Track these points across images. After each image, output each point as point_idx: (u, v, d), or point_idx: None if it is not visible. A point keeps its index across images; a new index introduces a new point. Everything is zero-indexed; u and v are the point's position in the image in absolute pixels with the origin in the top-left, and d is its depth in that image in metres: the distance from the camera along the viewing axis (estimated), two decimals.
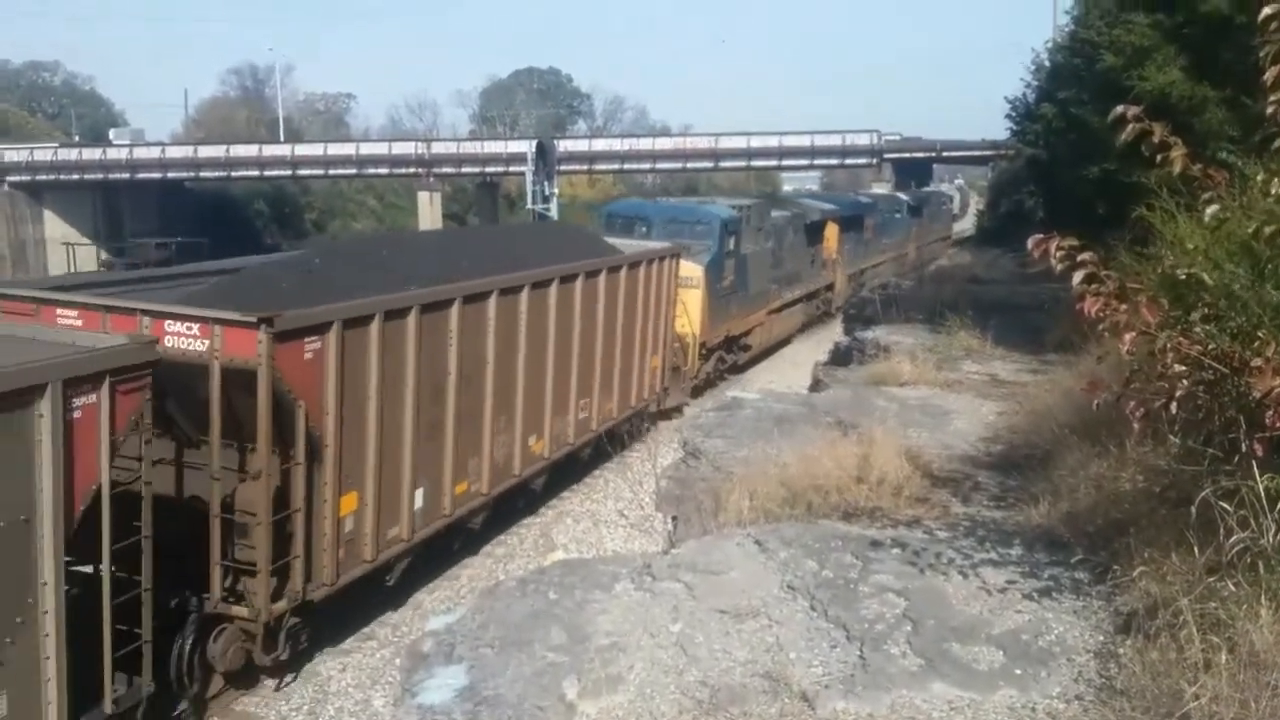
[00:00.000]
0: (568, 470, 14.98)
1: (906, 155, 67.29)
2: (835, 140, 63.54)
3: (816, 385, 14.38)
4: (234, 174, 62.75)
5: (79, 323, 8.36)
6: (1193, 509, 5.01)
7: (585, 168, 71.10)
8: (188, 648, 8.34)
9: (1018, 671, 5.20)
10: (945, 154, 69.60)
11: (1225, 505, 4.77)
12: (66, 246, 54.54)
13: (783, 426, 10.37)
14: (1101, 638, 5.45)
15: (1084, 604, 5.86)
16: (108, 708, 7.12)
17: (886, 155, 64.74)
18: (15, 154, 59.55)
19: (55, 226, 58.83)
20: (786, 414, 11.14)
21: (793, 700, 5.06)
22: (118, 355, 6.98)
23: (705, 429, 10.75)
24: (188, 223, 60.19)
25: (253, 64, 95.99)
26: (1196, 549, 4.97)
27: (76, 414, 6.59)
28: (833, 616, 5.85)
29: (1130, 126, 4.59)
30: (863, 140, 63.25)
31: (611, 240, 17.87)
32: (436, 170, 63.78)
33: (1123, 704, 4.68)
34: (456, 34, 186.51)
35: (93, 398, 6.71)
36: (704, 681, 5.28)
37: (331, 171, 64.65)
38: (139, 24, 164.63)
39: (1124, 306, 4.65)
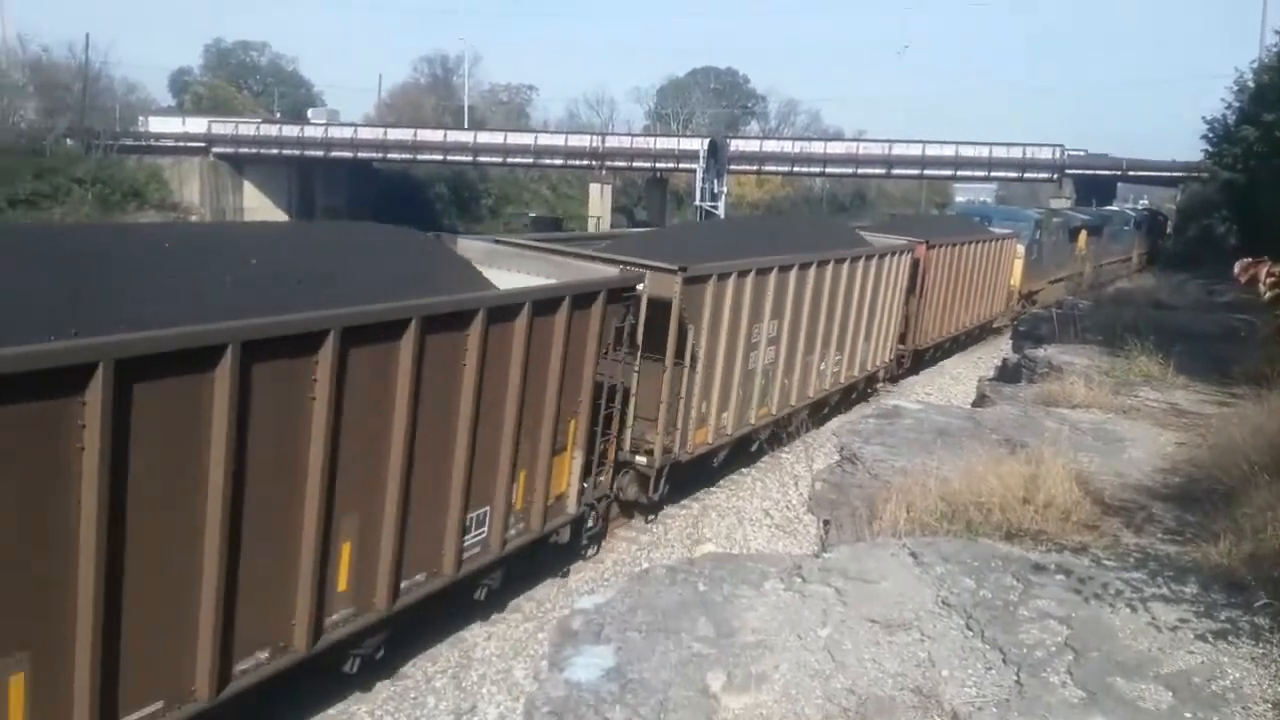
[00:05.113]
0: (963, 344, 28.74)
1: (1090, 172, 64.67)
2: (1016, 153, 61.66)
3: (981, 400, 13.92)
4: (419, 157, 65.28)
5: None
6: None
7: (755, 168, 71.02)
8: None
9: (1187, 715, 4.94)
10: (1131, 173, 66.78)
11: None
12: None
13: (944, 439, 10.09)
14: None
15: (1264, 651, 5.52)
16: None
17: (1069, 170, 62.32)
18: (222, 127, 63.58)
19: (253, 197, 62.49)
20: (948, 427, 10.84)
21: (943, 719, 4.93)
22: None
23: (864, 435, 10.55)
24: (374, 201, 62.93)
25: (443, 53, 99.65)
26: None
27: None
28: (989, 637, 5.67)
29: None
30: (1044, 154, 61.23)
31: None
32: (609, 163, 64.75)
33: None
34: (639, 32, 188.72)
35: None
36: (851, 689, 5.20)
37: (510, 160, 66.57)
38: (344, 9, 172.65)
39: None
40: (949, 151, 61.78)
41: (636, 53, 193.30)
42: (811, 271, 16.08)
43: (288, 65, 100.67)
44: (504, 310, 8.86)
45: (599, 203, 65.31)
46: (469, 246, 11.16)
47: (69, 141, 56.77)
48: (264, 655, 7.15)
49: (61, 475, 5.59)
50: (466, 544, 9.07)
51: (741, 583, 6.49)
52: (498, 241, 12.20)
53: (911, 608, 6.05)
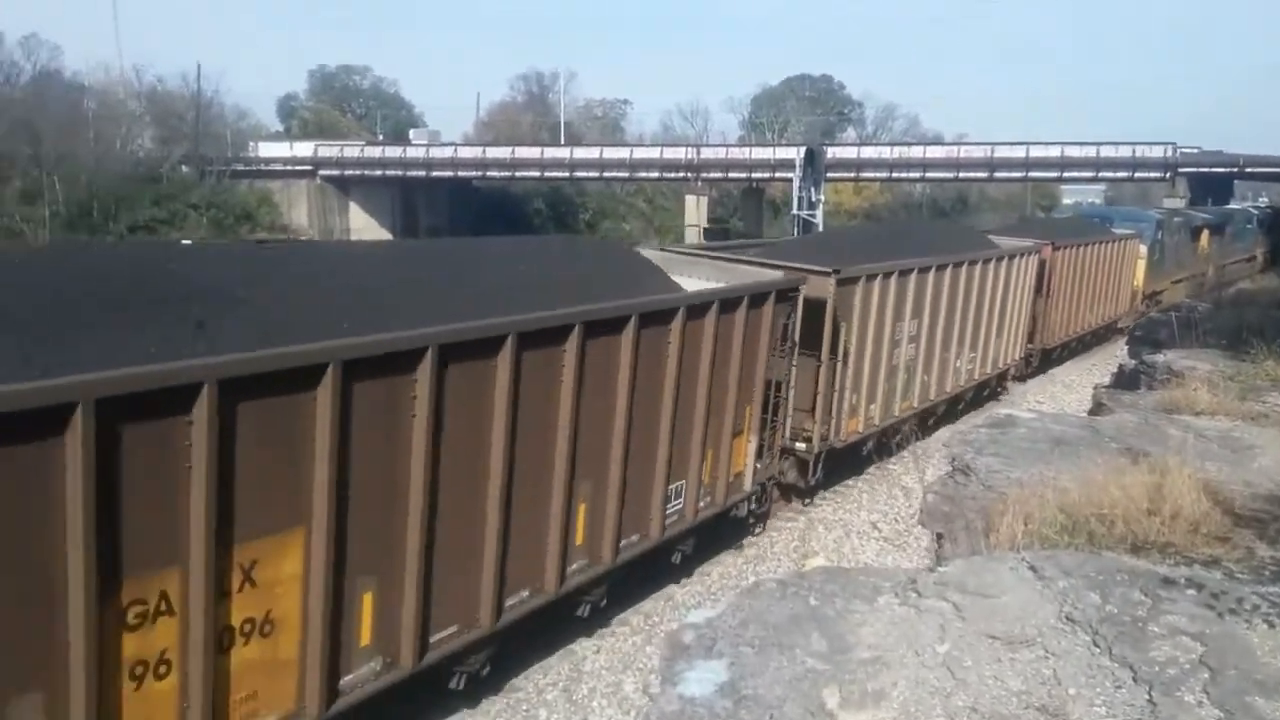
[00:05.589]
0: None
1: (1204, 170, 62.24)
2: (1124, 152, 59.64)
3: (1098, 409, 13.47)
4: (517, 174, 66.08)
5: None
6: None
7: (852, 175, 70.04)
8: None
9: None
10: (1249, 169, 63.95)
11: None
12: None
13: (1061, 449, 9.80)
14: None
15: None
16: None
17: (1182, 169, 60.08)
18: (327, 150, 65.34)
19: (358, 218, 64.02)
20: (1065, 436, 10.51)
21: None
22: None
23: (976, 445, 10.30)
24: (474, 219, 63.98)
25: (539, 71, 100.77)
26: None
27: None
28: (1117, 655, 5.46)
29: None
30: (1155, 153, 59.07)
31: None
32: (704, 175, 64.67)
33: None
34: (733, 42, 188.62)
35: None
36: (974, 708, 5.06)
37: (606, 174, 66.90)
38: (444, 30, 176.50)
39: None
40: (1054, 153, 60.09)
41: (730, 63, 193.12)
42: (947, 273, 17.20)
43: (389, 88, 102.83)
44: (698, 308, 10.09)
45: (695, 214, 65.27)
46: (647, 254, 12.17)
47: (184, 168, 58.99)
48: (525, 594, 8.64)
49: (400, 441, 6.97)
50: (668, 511, 10.48)
51: (854, 597, 6.38)
52: (664, 249, 13.37)
53: (1034, 623, 5.87)
